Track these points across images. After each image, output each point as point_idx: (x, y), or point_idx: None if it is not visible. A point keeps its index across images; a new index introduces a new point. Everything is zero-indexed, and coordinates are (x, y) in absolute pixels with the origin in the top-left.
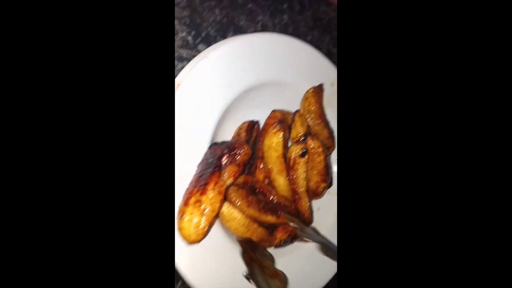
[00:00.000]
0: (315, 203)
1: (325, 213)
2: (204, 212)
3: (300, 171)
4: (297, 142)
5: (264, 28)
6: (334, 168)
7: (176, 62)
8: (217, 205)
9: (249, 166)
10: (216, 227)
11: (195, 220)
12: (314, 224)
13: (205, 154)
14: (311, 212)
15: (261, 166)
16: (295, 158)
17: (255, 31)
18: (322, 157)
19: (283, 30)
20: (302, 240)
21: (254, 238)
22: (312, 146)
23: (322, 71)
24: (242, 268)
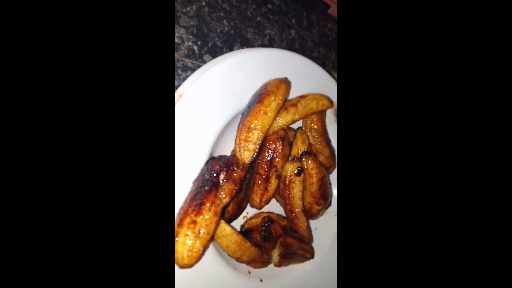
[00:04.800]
0: (313, 224)
1: (322, 234)
2: (199, 235)
3: (296, 190)
4: (293, 160)
5: (271, 42)
6: (334, 188)
7: (180, 71)
8: (213, 227)
9: (247, 182)
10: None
11: (189, 242)
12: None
13: (202, 170)
14: (310, 231)
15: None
16: (290, 176)
17: (262, 44)
18: (315, 179)
19: (290, 44)
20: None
21: (246, 257)
22: (306, 166)
23: (326, 88)
24: None
